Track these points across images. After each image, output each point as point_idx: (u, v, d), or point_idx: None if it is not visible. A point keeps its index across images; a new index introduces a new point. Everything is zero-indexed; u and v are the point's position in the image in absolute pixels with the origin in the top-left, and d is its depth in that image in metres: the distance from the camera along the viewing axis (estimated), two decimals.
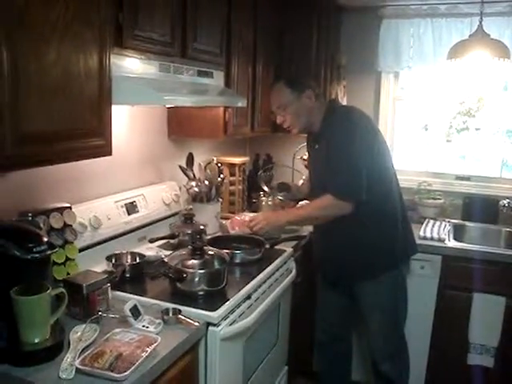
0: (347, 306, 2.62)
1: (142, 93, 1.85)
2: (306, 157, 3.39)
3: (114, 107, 1.78)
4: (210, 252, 2.10)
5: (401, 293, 2.50)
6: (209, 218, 2.71)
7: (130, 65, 1.86)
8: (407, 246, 2.51)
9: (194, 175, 2.79)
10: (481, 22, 2.82)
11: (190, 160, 2.79)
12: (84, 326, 1.58)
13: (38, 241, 1.46)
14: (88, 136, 1.67)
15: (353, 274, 2.45)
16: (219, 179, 2.85)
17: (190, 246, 2.08)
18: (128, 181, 2.45)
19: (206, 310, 1.78)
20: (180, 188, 2.77)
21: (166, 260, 2.03)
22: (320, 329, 2.75)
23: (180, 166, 2.75)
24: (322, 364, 2.79)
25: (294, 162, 3.47)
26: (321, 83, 3.20)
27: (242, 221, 2.78)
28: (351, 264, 2.42)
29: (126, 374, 1.35)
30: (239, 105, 2.54)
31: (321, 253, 2.58)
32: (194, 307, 1.79)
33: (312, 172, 2.63)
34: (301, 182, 3.14)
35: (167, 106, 2.58)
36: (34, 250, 1.43)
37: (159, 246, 2.38)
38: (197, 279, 1.90)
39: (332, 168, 2.28)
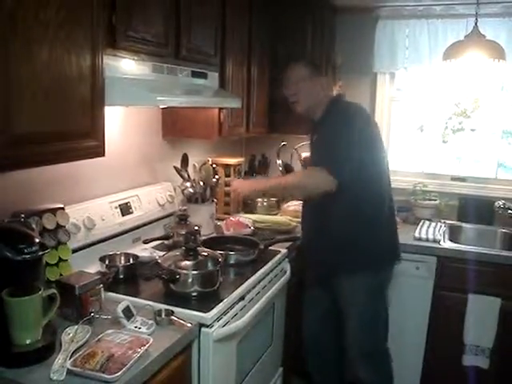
0: (330, 307, 2.57)
1: (135, 94, 1.85)
2: (303, 157, 3.42)
3: (107, 108, 1.77)
4: (204, 253, 2.09)
5: (379, 297, 2.46)
6: (203, 218, 2.71)
7: (124, 66, 1.86)
8: (390, 250, 2.49)
9: (188, 176, 2.78)
10: (476, 23, 2.83)
11: (185, 161, 2.79)
12: (76, 327, 1.58)
13: (29, 242, 1.46)
14: (81, 137, 1.67)
15: (331, 267, 2.43)
16: (214, 180, 2.85)
17: (183, 247, 2.08)
18: (122, 181, 2.44)
19: (199, 311, 1.78)
20: (175, 189, 2.76)
21: (159, 261, 2.02)
22: (307, 335, 2.73)
23: (175, 167, 2.75)
24: (314, 366, 2.78)
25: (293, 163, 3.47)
26: None
27: (237, 222, 2.78)
28: (330, 257, 2.41)
29: (117, 375, 1.35)
30: (234, 105, 2.54)
31: (306, 245, 2.60)
32: (187, 308, 1.79)
33: (311, 164, 2.56)
34: None
35: (161, 106, 2.58)
36: (26, 251, 1.42)
37: (153, 247, 2.38)
38: (190, 280, 1.90)
39: (325, 147, 2.33)
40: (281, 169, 3.29)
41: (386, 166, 2.47)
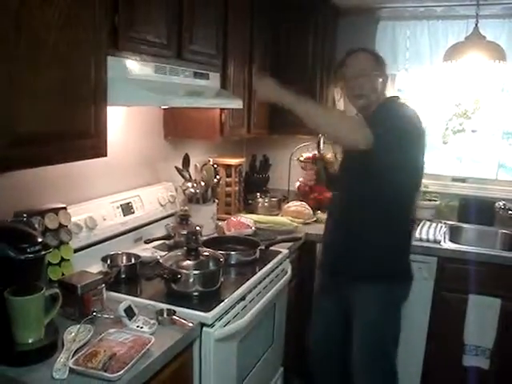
0: (340, 317, 2.43)
1: (137, 94, 1.85)
2: (302, 158, 3.43)
3: (109, 108, 1.78)
4: (205, 253, 2.10)
5: (392, 310, 2.31)
6: (205, 219, 2.72)
7: (126, 66, 1.86)
8: (408, 267, 2.36)
9: (190, 176, 2.79)
10: (477, 25, 2.84)
11: (186, 161, 2.79)
12: (78, 326, 1.58)
13: (32, 241, 1.47)
14: (83, 137, 1.67)
15: (354, 276, 2.27)
16: (215, 180, 2.86)
17: (185, 247, 2.08)
18: (124, 181, 2.45)
19: (200, 310, 1.79)
20: (176, 189, 2.77)
21: (161, 261, 2.03)
22: (313, 341, 2.58)
23: (176, 167, 2.76)
24: (317, 373, 2.64)
25: (291, 164, 3.48)
26: (317, 86, 3.21)
27: (238, 222, 2.79)
28: (360, 266, 2.25)
29: (119, 373, 1.35)
30: (235, 106, 2.54)
31: (327, 244, 2.46)
32: (188, 308, 1.79)
33: (344, 157, 2.44)
34: None
35: (163, 107, 2.59)
36: (28, 250, 1.43)
37: (155, 247, 2.39)
38: (191, 280, 1.91)
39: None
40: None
41: (421, 178, 2.29)
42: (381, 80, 2.23)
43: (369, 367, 2.34)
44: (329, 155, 2.85)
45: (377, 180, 2.11)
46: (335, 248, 2.36)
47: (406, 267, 2.34)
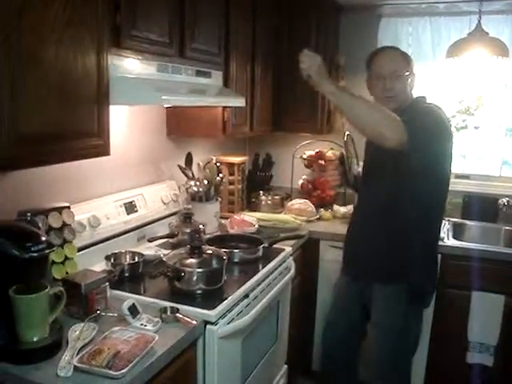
0: (358, 318, 2.42)
1: (140, 93, 1.86)
2: (305, 156, 3.43)
3: (112, 107, 1.79)
4: (209, 251, 2.11)
5: (413, 318, 2.28)
6: (208, 217, 2.72)
7: (128, 65, 1.87)
8: (435, 275, 2.35)
9: (192, 174, 2.80)
10: (479, 21, 2.83)
11: (189, 159, 2.80)
12: (82, 324, 1.59)
13: (36, 240, 1.47)
14: (86, 136, 1.68)
15: (372, 272, 2.28)
16: (218, 178, 2.86)
17: (188, 245, 2.09)
18: (127, 180, 2.46)
19: (203, 308, 1.79)
20: (179, 187, 2.78)
21: (164, 259, 2.03)
22: (327, 331, 2.61)
23: (179, 166, 2.76)
24: (326, 364, 2.68)
25: (294, 162, 3.48)
26: None
27: (241, 220, 2.79)
28: (374, 263, 2.26)
29: (123, 371, 1.36)
30: (238, 104, 2.54)
31: (352, 243, 2.43)
32: (192, 306, 1.80)
33: (369, 157, 2.41)
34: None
35: (166, 105, 2.59)
36: (32, 249, 1.44)
37: (158, 246, 2.39)
38: (195, 278, 1.91)
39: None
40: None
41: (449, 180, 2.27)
42: (409, 80, 2.22)
43: (388, 374, 2.31)
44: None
45: (407, 180, 2.10)
46: (359, 246, 2.35)
47: (433, 274, 2.32)
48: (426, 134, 1.95)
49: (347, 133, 2.65)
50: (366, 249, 2.30)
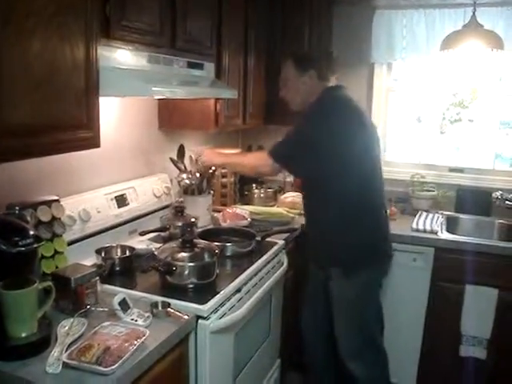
0: (327, 303, 2.52)
1: (130, 84, 1.84)
2: None
3: (102, 99, 1.76)
4: (201, 245, 2.09)
5: (368, 295, 2.44)
6: (200, 210, 2.69)
7: (119, 56, 1.84)
8: (386, 247, 2.49)
9: (185, 167, 2.77)
10: (474, 13, 2.81)
11: (181, 152, 2.77)
12: (72, 319, 1.56)
13: (24, 234, 1.45)
14: (75, 128, 1.66)
15: (324, 262, 2.45)
16: (210, 171, 2.84)
17: (180, 239, 2.07)
18: (118, 173, 2.43)
19: (195, 303, 1.77)
20: (171, 180, 2.75)
21: (156, 253, 2.01)
22: (304, 328, 2.72)
23: (171, 158, 2.73)
24: (310, 361, 2.78)
25: None
26: None
27: (234, 213, 2.77)
28: (323, 252, 2.44)
29: (113, 367, 1.34)
30: (230, 96, 2.52)
31: (306, 238, 2.59)
32: (183, 300, 1.78)
33: None
34: None
35: (157, 97, 2.56)
36: (20, 243, 1.42)
37: (150, 239, 2.36)
38: (186, 272, 1.89)
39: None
40: None
41: (379, 161, 2.46)
42: (302, 83, 2.41)
43: (357, 350, 2.44)
44: None
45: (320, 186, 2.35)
46: (309, 239, 2.53)
47: (375, 250, 2.42)
48: (289, 149, 2.33)
49: None
50: (312, 241, 2.51)
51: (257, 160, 2.46)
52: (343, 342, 2.45)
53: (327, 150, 2.23)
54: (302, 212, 2.64)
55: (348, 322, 2.43)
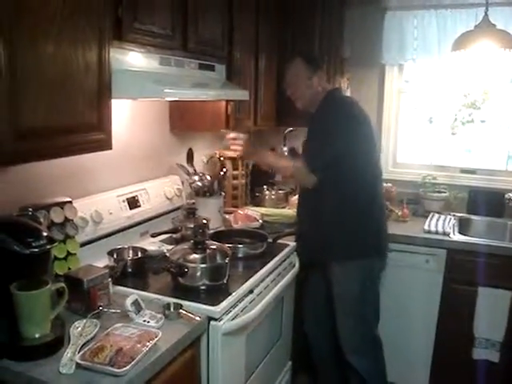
0: (327, 296, 2.58)
1: (142, 86, 1.84)
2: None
3: (114, 101, 1.77)
4: (212, 246, 2.09)
5: (370, 282, 2.49)
6: (211, 212, 2.69)
7: (131, 58, 1.85)
8: (387, 241, 2.57)
9: (194, 170, 2.77)
10: (486, 13, 2.78)
11: (190, 156, 2.78)
12: (85, 320, 1.57)
13: (37, 235, 1.46)
14: (88, 130, 1.66)
15: (323, 254, 2.47)
16: (221, 173, 2.84)
17: (192, 241, 2.07)
18: (129, 175, 2.44)
19: (207, 304, 1.77)
20: (182, 182, 2.76)
21: (167, 254, 2.01)
22: (307, 323, 2.76)
23: (178, 164, 2.74)
24: (316, 356, 2.82)
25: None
26: None
27: (245, 215, 2.77)
28: (322, 244, 2.45)
29: (126, 368, 1.34)
30: (241, 98, 2.53)
31: (302, 231, 2.61)
32: (195, 302, 1.78)
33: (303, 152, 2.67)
34: None
35: (168, 99, 2.56)
36: (34, 244, 1.42)
37: (161, 241, 2.37)
38: (198, 274, 1.89)
39: (310, 142, 2.45)
40: (286, 154, 3.35)
41: (378, 161, 2.58)
42: (311, 83, 2.45)
43: (357, 343, 2.51)
44: None
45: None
46: (307, 232, 2.54)
47: (370, 244, 2.47)
48: (324, 148, 2.35)
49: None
50: (311, 234, 2.51)
51: (301, 176, 2.43)
52: (345, 335, 2.51)
53: (354, 150, 2.35)
54: (300, 211, 2.63)
55: (349, 315, 2.48)
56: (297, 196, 3.23)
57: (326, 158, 2.33)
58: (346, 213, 2.40)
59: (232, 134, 2.46)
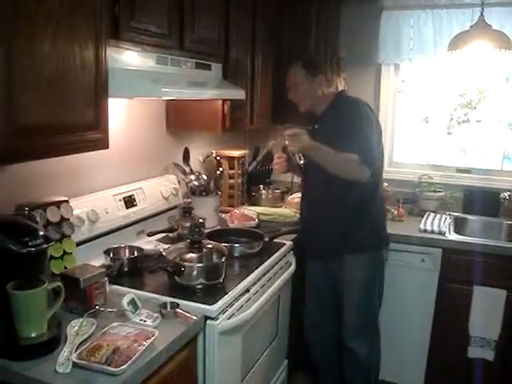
0: (330, 295, 2.66)
1: (138, 85, 1.84)
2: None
3: (111, 100, 1.77)
4: (209, 245, 2.09)
5: (378, 271, 2.59)
6: (208, 211, 2.70)
7: (127, 57, 1.85)
8: (384, 235, 2.63)
9: (191, 170, 2.77)
10: (482, 13, 2.79)
11: (186, 155, 2.78)
12: (81, 320, 1.57)
13: (33, 235, 1.45)
14: (84, 129, 1.66)
15: (339, 247, 2.50)
16: (218, 172, 2.84)
17: (188, 240, 2.07)
18: (126, 174, 2.44)
19: (204, 303, 1.78)
20: (179, 181, 2.75)
21: (164, 254, 2.01)
22: (308, 312, 2.77)
23: (174, 164, 2.74)
24: (314, 354, 2.83)
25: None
26: None
27: (242, 214, 2.77)
28: (339, 237, 2.48)
29: (122, 367, 1.34)
30: (238, 97, 2.52)
31: (310, 226, 2.63)
32: (192, 301, 1.78)
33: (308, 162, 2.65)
34: None
35: (165, 98, 2.56)
36: (30, 243, 1.42)
37: (158, 240, 2.37)
38: (195, 273, 1.89)
39: (351, 138, 2.29)
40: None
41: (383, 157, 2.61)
42: (314, 87, 2.49)
43: (361, 328, 2.56)
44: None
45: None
46: (317, 229, 2.56)
47: (382, 236, 2.59)
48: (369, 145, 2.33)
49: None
50: (324, 230, 2.53)
51: (354, 169, 2.28)
52: (349, 321, 2.56)
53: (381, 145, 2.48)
54: (309, 208, 2.63)
55: (358, 302, 2.54)
56: (293, 195, 3.25)
57: (376, 151, 2.36)
58: (368, 206, 2.48)
59: (289, 131, 2.29)
